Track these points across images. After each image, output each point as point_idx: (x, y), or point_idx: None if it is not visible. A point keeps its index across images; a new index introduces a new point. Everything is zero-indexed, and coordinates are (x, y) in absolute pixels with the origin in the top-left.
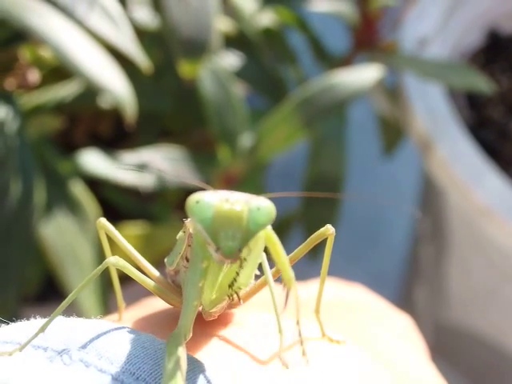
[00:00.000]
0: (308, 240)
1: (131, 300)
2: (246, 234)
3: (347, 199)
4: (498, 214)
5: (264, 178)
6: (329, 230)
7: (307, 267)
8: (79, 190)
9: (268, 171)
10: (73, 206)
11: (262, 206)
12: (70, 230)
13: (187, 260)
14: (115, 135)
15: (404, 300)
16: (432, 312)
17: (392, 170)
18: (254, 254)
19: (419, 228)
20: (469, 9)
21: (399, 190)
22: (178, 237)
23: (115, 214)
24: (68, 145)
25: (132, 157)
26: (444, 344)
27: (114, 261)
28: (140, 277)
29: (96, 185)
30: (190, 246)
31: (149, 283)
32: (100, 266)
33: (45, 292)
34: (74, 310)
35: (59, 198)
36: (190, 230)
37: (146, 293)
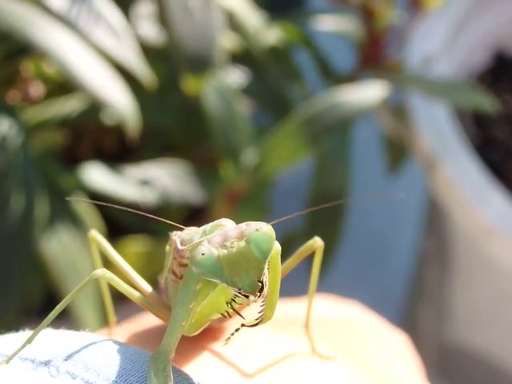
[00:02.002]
0: (296, 254)
1: (131, 316)
2: (258, 265)
3: (352, 214)
4: (502, 234)
5: (269, 196)
6: (317, 242)
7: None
8: (82, 205)
9: (272, 189)
10: (76, 221)
11: (260, 233)
12: (72, 245)
13: (174, 274)
14: (120, 150)
15: (408, 319)
16: (436, 331)
17: (396, 188)
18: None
19: (423, 247)
20: (475, 28)
21: (403, 208)
22: (166, 250)
23: (118, 230)
24: (73, 159)
25: (135, 171)
26: (448, 364)
27: (100, 273)
28: (127, 289)
29: (100, 200)
30: (175, 259)
31: (136, 296)
32: (87, 279)
33: (47, 306)
34: (74, 324)
35: (62, 212)
36: (179, 246)
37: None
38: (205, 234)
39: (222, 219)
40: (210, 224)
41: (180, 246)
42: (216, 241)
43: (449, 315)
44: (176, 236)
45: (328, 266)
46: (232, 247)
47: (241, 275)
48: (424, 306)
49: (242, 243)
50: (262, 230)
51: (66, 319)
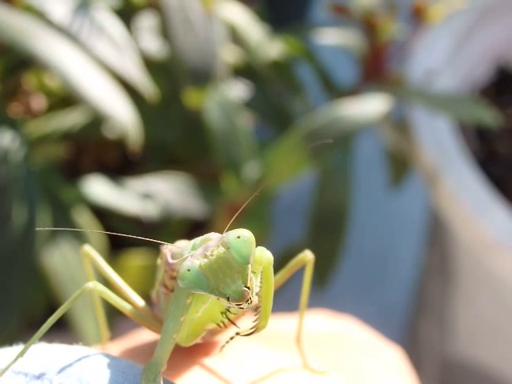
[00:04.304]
0: (286, 267)
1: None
2: (240, 270)
3: (353, 227)
4: (504, 248)
5: (270, 210)
6: (307, 256)
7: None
8: (84, 219)
9: (274, 203)
10: (77, 234)
11: (238, 238)
12: (73, 258)
13: (165, 287)
14: (122, 163)
15: (410, 333)
16: (438, 345)
17: (399, 202)
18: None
19: (425, 261)
20: (478, 41)
21: (406, 222)
22: (157, 264)
23: (120, 243)
24: (75, 173)
25: (138, 185)
26: (450, 377)
27: (92, 286)
28: (119, 302)
29: (102, 213)
30: (166, 272)
31: (128, 309)
32: (78, 292)
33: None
34: (75, 337)
35: (64, 225)
36: (169, 260)
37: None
38: (194, 248)
39: (211, 233)
40: (200, 238)
41: (170, 260)
42: (198, 253)
43: (451, 329)
44: (167, 250)
45: (330, 280)
46: (212, 255)
47: (226, 282)
48: (426, 319)
49: (222, 249)
50: (241, 235)
51: (67, 332)
